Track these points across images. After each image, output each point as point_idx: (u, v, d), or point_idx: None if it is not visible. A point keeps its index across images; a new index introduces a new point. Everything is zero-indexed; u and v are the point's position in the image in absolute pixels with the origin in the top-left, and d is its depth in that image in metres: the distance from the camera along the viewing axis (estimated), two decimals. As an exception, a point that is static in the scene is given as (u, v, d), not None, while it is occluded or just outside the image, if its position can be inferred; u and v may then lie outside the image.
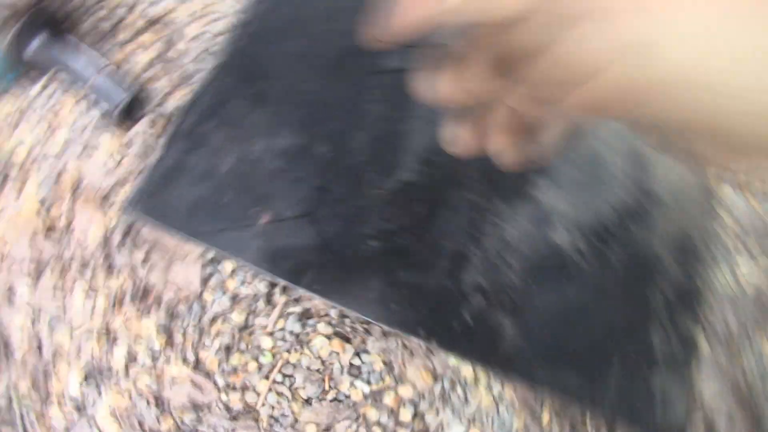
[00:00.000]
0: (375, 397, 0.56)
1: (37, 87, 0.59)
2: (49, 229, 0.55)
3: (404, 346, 0.59)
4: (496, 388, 0.59)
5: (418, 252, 0.60)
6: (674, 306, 0.65)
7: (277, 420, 0.54)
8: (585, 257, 0.65)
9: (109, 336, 0.53)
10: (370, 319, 0.57)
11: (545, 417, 0.60)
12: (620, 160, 0.70)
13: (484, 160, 0.64)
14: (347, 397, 0.56)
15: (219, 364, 0.54)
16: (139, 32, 0.63)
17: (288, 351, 0.56)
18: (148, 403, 0.52)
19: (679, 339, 0.64)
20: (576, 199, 0.67)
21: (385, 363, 0.58)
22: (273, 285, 0.58)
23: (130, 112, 0.53)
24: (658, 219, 0.69)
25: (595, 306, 0.63)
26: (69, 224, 0.56)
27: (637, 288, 0.65)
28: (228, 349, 0.55)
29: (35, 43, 0.52)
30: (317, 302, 0.58)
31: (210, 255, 0.57)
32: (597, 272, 0.64)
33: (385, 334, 0.58)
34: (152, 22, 0.64)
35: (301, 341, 0.57)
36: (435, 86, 0.24)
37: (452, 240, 0.61)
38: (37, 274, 0.54)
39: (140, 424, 0.52)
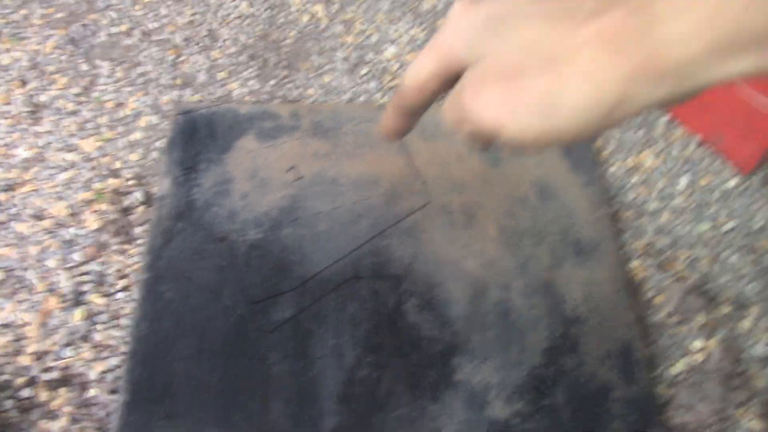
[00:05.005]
0: None
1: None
2: None
3: None
4: None
5: (367, 499, 0.61)
6: (636, 427, 0.64)
7: None
8: (530, 419, 0.64)
9: None
10: None
11: None
12: (528, 299, 0.70)
13: (400, 366, 0.66)
14: None
15: None
16: (49, 400, 0.67)
17: None
18: None
19: (655, 460, 0.63)
20: (502, 362, 0.67)
21: None
22: None
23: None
24: (589, 340, 0.69)
25: (558, 468, 0.62)
26: None
27: (593, 426, 0.64)
28: None
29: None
30: None
31: None
32: (548, 429, 0.64)
33: None
34: (58, 385, 0.68)
35: None
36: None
37: (396, 469, 0.62)
38: None
39: None
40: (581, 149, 0.82)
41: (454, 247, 0.74)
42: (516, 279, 0.72)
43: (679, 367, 0.68)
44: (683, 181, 0.80)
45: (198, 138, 0.82)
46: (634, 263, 0.74)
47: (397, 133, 0.39)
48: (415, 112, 0.36)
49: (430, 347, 0.68)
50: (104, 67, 0.89)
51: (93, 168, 0.81)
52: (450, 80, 0.33)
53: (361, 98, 0.86)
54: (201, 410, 0.64)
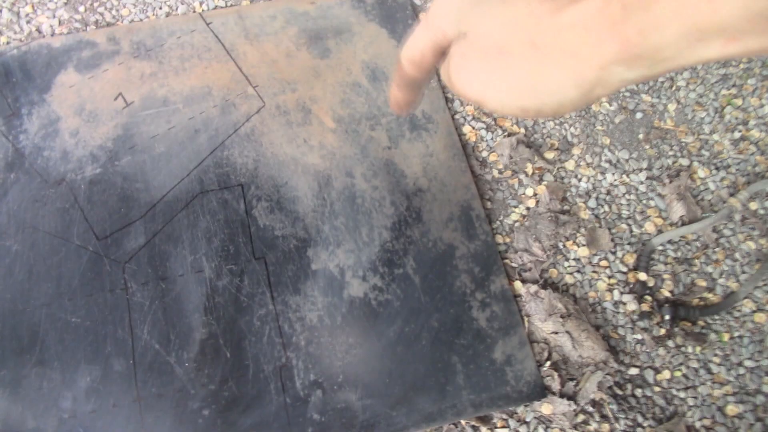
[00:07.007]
0: None
1: None
2: None
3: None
4: (378, 446, 0.66)
5: (246, 392, 0.65)
6: (481, 276, 0.70)
7: None
8: (386, 290, 0.70)
9: None
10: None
11: (428, 442, 0.66)
12: (371, 181, 0.74)
13: (259, 269, 0.69)
14: None
15: None
16: None
17: None
18: None
19: (499, 301, 0.70)
20: (354, 245, 0.71)
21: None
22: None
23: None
24: (432, 208, 0.73)
25: (416, 327, 0.68)
26: None
27: (443, 284, 0.70)
28: None
29: None
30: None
31: None
32: (402, 295, 0.69)
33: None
34: None
35: None
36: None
37: (269, 359, 0.66)
38: None
39: None
40: (404, 25, 0.83)
41: (294, 145, 0.75)
42: (357, 164, 0.75)
43: (515, 215, 0.74)
44: (505, 40, 0.82)
45: (13, 82, 0.78)
46: (466, 128, 0.78)
47: (406, 107, 0.40)
48: (416, 85, 0.37)
49: (285, 244, 0.71)
50: None
51: None
52: (442, 52, 0.34)
53: (180, 9, 0.83)
54: (71, 350, 0.66)
